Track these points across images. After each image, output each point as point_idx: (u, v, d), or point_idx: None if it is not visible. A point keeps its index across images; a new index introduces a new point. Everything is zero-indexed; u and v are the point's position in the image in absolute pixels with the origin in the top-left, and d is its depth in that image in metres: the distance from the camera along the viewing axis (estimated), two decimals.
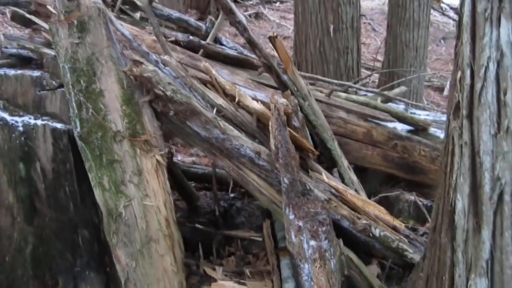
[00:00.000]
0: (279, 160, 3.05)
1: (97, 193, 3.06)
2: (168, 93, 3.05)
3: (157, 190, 3.11)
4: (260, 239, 4.38)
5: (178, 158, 5.70)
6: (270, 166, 3.19)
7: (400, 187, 4.72)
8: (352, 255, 3.29)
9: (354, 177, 4.09)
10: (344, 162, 4.05)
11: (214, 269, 3.84)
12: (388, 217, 3.79)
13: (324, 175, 3.53)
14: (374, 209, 3.74)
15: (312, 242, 3.08)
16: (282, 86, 3.71)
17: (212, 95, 3.05)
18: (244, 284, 3.70)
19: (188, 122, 3.13)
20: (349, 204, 3.52)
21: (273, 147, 3.05)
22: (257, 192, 3.29)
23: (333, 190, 3.48)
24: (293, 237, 3.13)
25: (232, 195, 5.11)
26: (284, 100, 3.04)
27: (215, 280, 3.72)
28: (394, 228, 3.73)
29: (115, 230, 2.99)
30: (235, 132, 3.19)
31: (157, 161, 3.20)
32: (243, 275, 3.88)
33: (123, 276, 3.08)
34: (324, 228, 3.08)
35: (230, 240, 4.47)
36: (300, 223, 3.10)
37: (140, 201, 3.00)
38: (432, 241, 2.46)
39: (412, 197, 4.52)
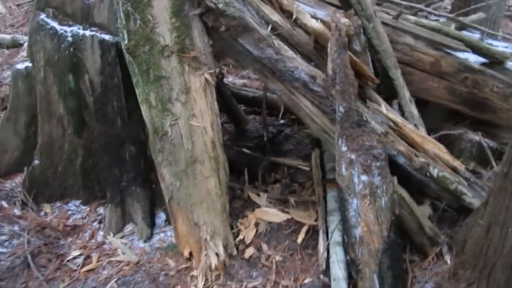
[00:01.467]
0: (336, 86, 2.83)
1: (144, 109, 3.00)
2: (220, 5, 2.83)
3: (204, 111, 3.00)
4: (307, 168, 4.27)
5: (229, 79, 5.55)
6: (325, 92, 2.97)
7: (464, 126, 4.34)
8: (404, 194, 3.11)
9: (415, 111, 3.80)
10: (406, 94, 3.74)
11: (258, 195, 3.80)
12: (448, 157, 3.53)
13: (383, 106, 3.27)
14: (434, 147, 3.48)
15: (364, 177, 2.93)
16: (345, 4, 3.37)
17: (268, 10, 2.79)
18: (287, 212, 3.65)
19: (240, 39, 2.92)
20: (407, 140, 3.28)
21: (330, 71, 2.81)
22: (309, 119, 3.11)
23: (391, 123, 3.23)
24: (343, 169, 2.98)
25: (282, 121, 4.96)
26: (347, 20, 2.75)
27: (258, 206, 3.69)
28: (454, 169, 3.49)
29: (160, 149, 2.95)
30: (290, 53, 2.96)
31: (206, 80, 3.06)
32: (288, 203, 3.83)
33: (167, 195, 3.10)
34: (378, 163, 2.90)
35: (277, 167, 4.38)
36: (353, 156, 2.93)
37: (187, 120, 2.91)
38: (501, 188, 2.23)
39: (476, 137, 4.16)
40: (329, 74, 2.83)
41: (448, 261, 3.14)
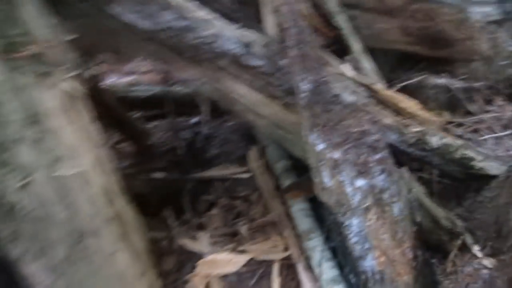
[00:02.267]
0: (289, 51, 1.70)
1: None
2: None
3: (78, 145, 1.71)
4: (247, 175, 3.14)
5: (109, 81, 4.15)
6: (271, 65, 1.84)
7: (418, 70, 3.55)
8: None
9: (370, 65, 2.87)
10: (357, 45, 2.78)
11: (194, 238, 2.61)
12: (426, 114, 2.65)
13: (347, 68, 2.24)
14: (410, 105, 2.56)
15: (360, 181, 1.90)
16: None
17: None
18: (243, 251, 2.52)
19: (114, 7, 1.65)
20: (390, 107, 2.30)
21: (274, 29, 1.67)
22: (252, 113, 1.97)
23: (363, 89, 2.20)
24: (327, 178, 1.90)
25: (194, 119, 3.74)
26: None
27: (201, 256, 2.51)
28: (444, 130, 2.61)
29: (13, 234, 1.62)
30: (201, 14, 1.75)
31: (67, 91, 1.76)
32: (238, 235, 2.68)
33: None
34: (377, 156, 1.88)
35: (207, 185, 3.20)
36: (337, 154, 1.86)
37: (49, 172, 1.60)
38: None
39: (441, 80, 3.36)
40: (273, 34, 1.67)
41: (478, 254, 2.25)
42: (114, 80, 4.08)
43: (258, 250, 2.58)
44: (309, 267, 2.36)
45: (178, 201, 3.08)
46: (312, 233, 2.45)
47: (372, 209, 1.90)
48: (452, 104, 3.40)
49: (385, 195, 1.91)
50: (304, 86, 1.84)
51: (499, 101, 3.59)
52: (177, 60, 1.83)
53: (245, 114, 2.06)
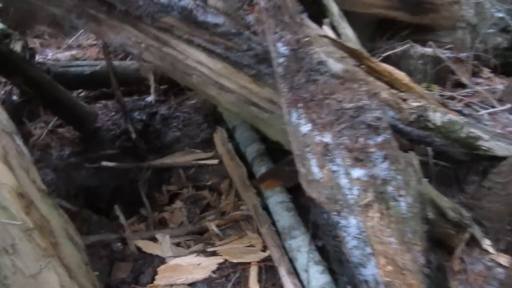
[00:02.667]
0: (262, 2, 1.26)
1: None
2: None
3: None
4: (214, 161, 2.71)
5: (48, 55, 3.57)
6: (234, 24, 1.39)
7: (400, 40, 3.17)
8: None
9: (350, 31, 2.47)
10: (335, 9, 2.38)
11: (154, 239, 2.17)
12: (419, 87, 2.30)
13: (327, 30, 1.83)
14: (402, 77, 2.17)
15: (358, 171, 1.50)
16: None
17: None
18: (214, 253, 2.10)
19: None
20: (381, 78, 1.91)
21: None
22: (211, 88, 1.54)
23: (347, 56, 1.79)
24: (315, 168, 1.50)
25: (149, 97, 3.24)
26: None
27: (162, 260, 2.08)
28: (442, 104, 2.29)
29: None
30: None
31: None
32: (207, 232, 2.27)
33: None
34: (379, 139, 1.47)
35: (166, 173, 2.75)
36: (327, 138, 1.45)
37: None
38: None
39: (428, 49, 3.02)
40: None
41: (490, 249, 1.92)
42: (54, 54, 3.52)
43: (232, 250, 2.17)
44: (293, 271, 1.97)
45: (133, 194, 2.62)
46: (295, 230, 2.06)
47: (374, 205, 1.52)
48: (440, 76, 3.04)
49: (390, 188, 1.53)
50: (281, 48, 1.40)
51: (487, 72, 3.26)
52: (106, 18, 1.35)
53: (204, 88, 1.60)
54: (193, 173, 2.80)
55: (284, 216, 2.14)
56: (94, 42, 3.71)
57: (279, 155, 2.53)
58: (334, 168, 1.50)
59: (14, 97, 2.92)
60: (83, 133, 2.76)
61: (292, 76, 1.42)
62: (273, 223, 2.20)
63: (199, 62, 1.56)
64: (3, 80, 2.87)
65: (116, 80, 2.44)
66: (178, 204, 2.63)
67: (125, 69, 3.07)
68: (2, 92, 2.87)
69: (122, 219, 2.15)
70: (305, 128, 1.48)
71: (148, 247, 2.18)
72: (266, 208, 2.27)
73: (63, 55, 3.53)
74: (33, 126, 2.83)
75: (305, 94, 1.44)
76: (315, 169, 1.52)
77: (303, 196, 2.16)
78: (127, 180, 2.70)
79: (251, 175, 2.43)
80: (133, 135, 2.63)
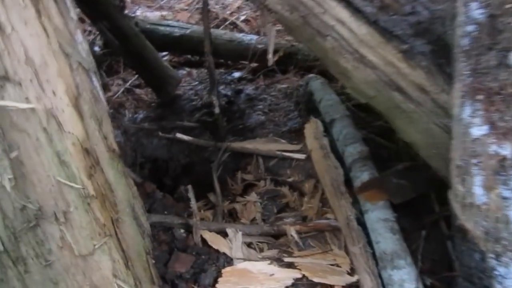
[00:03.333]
0: None
1: None
2: None
3: (39, 62, 0.90)
4: (301, 156, 2.32)
5: (137, 13, 3.33)
6: None
7: None
8: None
9: None
10: None
11: (223, 234, 1.82)
12: None
13: None
14: None
15: None
16: None
17: None
18: (291, 265, 1.72)
19: None
20: None
21: None
22: (347, 57, 1.14)
23: None
24: (478, 190, 1.05)
25: (236, 73, 2.90)
26: None
27: (229, 261, 1.73)
28: None
29: None
30: None
31: None
32: (283, 237, 1.88)
33: None
34: None
35: (244, 159, 2.39)
36: (506, 150, 1.01)
37: None
38: None
39: None
40: None
41: None
42: (142, 12, 3.27)
43: (312, 266, 1.78)
44: None
45: (204, 176, 2.29)
46: (400, 258, 1.63)
47: None
48: None
49: None
50: (475, 11, 0.98)
51: None
52: None
53: (337, 57, 1.20)
54: (274, 165, 2.42)
55: (387, 239, 1.71)
56: (186, 7, 3.44)
57: (386, 163, 2.11)
58: (507, 194, 1.06)
59: (96, 48, 2.69)
60: (161, 98, 2.47)
61: (479, 54, 1.00)
62: (369, 244, 1.78)
63: (339, 21, 1.17)
64: (88, 28, 2.65)
65: (210, 45, 2.10)
66: (252, 196, 2.26)
67: (216, 37, 2.75)
68: None
69: (193, 203, 1.81)
70: (479, 130, 1.05)
71: (216, 241, 1.83)
72: (361, 223, 1.86)
73: (153, 15, 3.28)
74: (111, 81, 2.59)
75: (491, 83, 1.01)
76: (478, 190, 1.09)
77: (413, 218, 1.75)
78: (200, 158, 2.38)
79: (347, 181, 2.02)
80: (217, 110, 2.29)
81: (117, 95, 2.45)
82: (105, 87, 2.47)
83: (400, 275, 1.61)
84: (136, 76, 2.61)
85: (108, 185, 1.13)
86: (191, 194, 1.76)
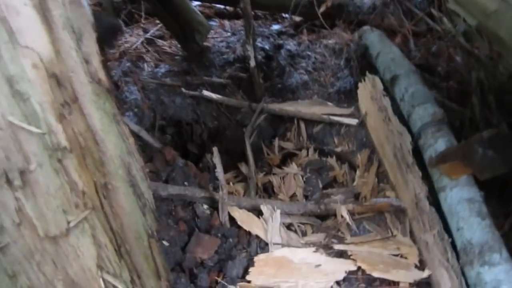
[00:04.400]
0: None
1: None
2: None
3: None
4: (353, 122, 1.92)
5: None
6: None
7: None
8: None
9: None
10: None
11: (256, 211, 1.44)
12: None
13: None
14: None
15: None
16: None
17: None
18: (345, 254, 1.32)
19: None
20: None
21: None
22: None
23: None
24: None
25: (276, 25, 2.49)
26: None
27: (264, 247, 1.35)
28: None
29: None
30: None
31: None
32: (332, 218, 1.50)
33: None
34: None
35: (282, 124, 2.00)
36: None
37: None
38: None
39: None
40: None
41: None
42: None
43: (370, 257, 1.40)
44: None
45: (235, 142, 1.91)
46: (493, 252, 1.23)
47: None
48: None
49: None
50: None
51: None
52: None
53: None
54: (319, 132, 2.02)
55: (474, 225, 1.29)
56: None
57: (465, 129, 1.67)
58: None
59: None
60: (187, 51, 2.08)
61: None
62: (446, 231, 1.37)
63: None
64: None
65: None
66: (293, 168, 1.88)
67: None
68: None
69: (220, 171, 1.42)
70: None
71: (247, 221, 1.46)
72: (436, 203, 1.44)
73: None
74: (129, 32, 2.23)
75: None
76: None
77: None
78: (231, 121, 1.99)
79: (414, 152, 1.60)
80: (252, 62, 1.90)
81: (135, 45, 2.08)
82: (122, 36, 2.10)
83: (493, 274, 1.21)
84: (159, 26, 2.23)
85: (91, 134, 0.77)
86: (217, 160, 1.38)
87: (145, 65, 2.05)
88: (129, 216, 0.84)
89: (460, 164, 1.49)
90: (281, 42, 2.39)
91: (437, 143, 1.52)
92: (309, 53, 2.41)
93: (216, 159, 1.38)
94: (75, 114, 0.75)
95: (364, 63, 2.19)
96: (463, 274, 1.31)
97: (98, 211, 0.79)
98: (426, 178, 1.59)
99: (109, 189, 0.81)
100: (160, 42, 2.18)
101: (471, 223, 1.31)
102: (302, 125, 2.05)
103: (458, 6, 0.90)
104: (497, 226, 1.60)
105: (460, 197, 1.37)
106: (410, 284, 1.37)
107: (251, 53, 1.88)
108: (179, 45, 2.13)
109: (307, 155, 1.97)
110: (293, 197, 1.77)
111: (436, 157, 1.44)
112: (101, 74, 0.77)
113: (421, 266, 1.41)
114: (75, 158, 0.75)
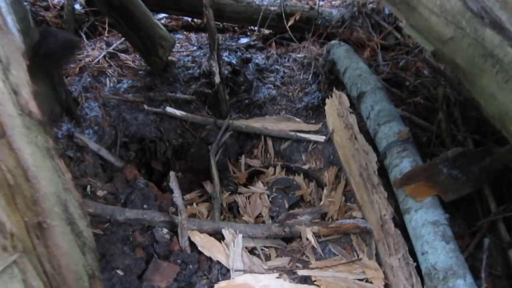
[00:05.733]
0: None
1: None
2: None
3: None
4: (320, 139, 1.89)
5: None
6: None
7: None
8: None
9: None
10: None
11: (218, 235, 1.39)
12: None
13: None
14: None
15: None
16: None
17: None
18: (309, 280, 1.28)
19: None
20: None
21: None
22: None
23: None
24: None
25: (244, 39, 2.46)
26: None
27: (225, 274, 1.30)
28: None
29: None
30: None
31: None
32: (298, 241, 1.47)
33: None
34: None
35: (249, 141, 1.97)
36: None
37: None
38: None
39: None
40: None
41: None
42: None
43: (335, 282, 1.35)
44: None
45: (200, 160, 1.87)
46: (457, 277, 1.21)
47: None
48: None
49: None
50: None
51: None
52: None
53: None
54: (287, 149, 1.99)
55: (438, 249, 1.27)
56: None
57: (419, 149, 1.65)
58: None
59: (77, 6, 2.26)
60: (151, 66, 2.02)
61: None
62: (412, 253, 1.35)
63: None
64: None
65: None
66: (259, 187, 1.83)
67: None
68: None
69: (177, 195, 1.37)
70: None
71: (208, 246, 1.41)
72: (402, 225, 1.42)
73: None
74: (91, 45, 2.16)
75: None
76: None
77: None
78: (196, 139, 1.94)
79: (380, 170, 1.58)
80: (217, 78, 1.85)
81: (97, 59, 2.00)
82: (82, 51, 2.03)
83: None
84: (123, 39, 2.16)
85: (21, 170, 0.71)
86: (173, 185, 1.32)
87: (107, 80, 1.98)
88: (67, 256, 0.78)
89: (425, 185, 1.48)
90: (249, 55, 2.36)
91: (402, 163, 1.50)
92: (277, 67, 2.39)
93: (173, 184, 1.32)
94: (3, 149, 0.69)
95: (332, 78, 2.17)
96: None
97: (30, 253, 0.73)
98: (393, 197, 1.58)
99: (44, 228, 0.75)
100: (123, 56, 2.11)
101: (436, 247, 1.29)
102: (270, 142, 2.01)
103: (414, 31, 0.88)
104: (463, 246, 1.60)
105: (425, 219, 1.35)
106: None
107: (215, 68, 1.84)
108: (142, 60, 2.08)
109: (274, 173, 1.93)
110: (258, 217, 1.73)
111: (400, 179, 1.42)
112: (32, 106, 0.71)
113: None
114: (2, 197, 0.69)
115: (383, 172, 1.60)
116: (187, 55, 2.23)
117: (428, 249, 1.31)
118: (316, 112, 2.08)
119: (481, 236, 1.50)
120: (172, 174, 1.32)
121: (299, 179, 1.88)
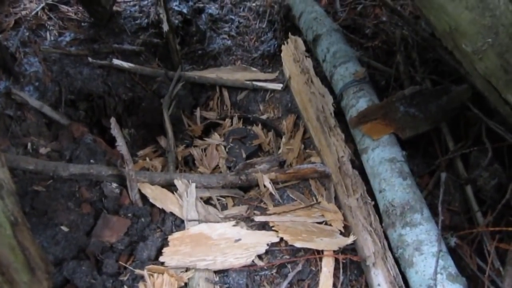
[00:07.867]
0: None
1: None
2: None
3: None
4: (277, 86, 1.83)
5: None
6: None
7: None
8: None
9: None
10: None
11: (170, 186, 1.32)
12: None
13: None
14: None
15: None
16: None
17: None
18: (267, 226, 1.25)
19: None
20: None
21: None
22: None
23: None
24: None
25: None
26: None
27: (179, 225, 1.24)
28: None
29: None
30: None
31: None
32: (256, 189, 1.41)
33: None
34: None
35: (204, 93, 1.88)
36: None
37: None
38: None
39: None
40: None
41: None
42: None
43: (293, 227, 1.33)
44: (400, 281, 1.12)
45: (153, 114, 1.78)
46: (414, 212, 1.20)
47: None
48: None
49: None
50: None
51: None
52: None
53: None
54: (244, 99, 1.92)
55: (395, 185, 1.24)
56: None
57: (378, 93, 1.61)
58: None
59: None
60: (94, 16, 1.88)
61: None
62: (369, 194, 1.32)
63: None
64: None
65: None
66: (215, 138, 1.77)
67: None
68: None
69: (120, 143, 1.28)
70: None
71: (161, 198, 1.35)
72: (360, 166, 1.39)
73: None
74: None
75: None
76: None
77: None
78: (147, 92, 1.84)
79: (336, 110, 1.54)
80: (165, 27, 1.74)
81: (34, 12, 1.85)
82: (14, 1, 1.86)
83: (415, 235, 1.17)
84: None
85: None
86: (116, 132, 1.24)
87: (47, 33, 1.84)
88: None
89: (381, 124, 1.45)
90: (201, 5, 2.24)
91: (359, 103, 1.46)
92: (232, 16, 2.28)
93: (115, 131, 1.24)
94: None
95: (288, 25, 2.09)
96: (386, 237, 1.27)
97: None
98: (352, 141, 1.55)
99: None
100: (64, 8, 1.97)
101: (393, 184, 1.26)
102: (226, 93, 1.94)
103: None
104: (422, 185, 1.59)
105: (382, 157, 1.32)
106: (334, 251, 1.32)
107: (163, 16, 1.73)
108: (85, 12, 1.93)
109: (232, 124, 1.87)
110: (215, 169, 1.67)
111: (356, 117, 1.38)
112: None
113: (346, 231, 1.37)
114: None
115: (341, 117, 1.56)
116: (134, 5, 2.09)
117: (386, 187, 1.29)
118: (272, 61, 2.01)
119: (440, 174, 1.50)
120: (113, 120, 1.24)
121: (257, 129, 1.82)
